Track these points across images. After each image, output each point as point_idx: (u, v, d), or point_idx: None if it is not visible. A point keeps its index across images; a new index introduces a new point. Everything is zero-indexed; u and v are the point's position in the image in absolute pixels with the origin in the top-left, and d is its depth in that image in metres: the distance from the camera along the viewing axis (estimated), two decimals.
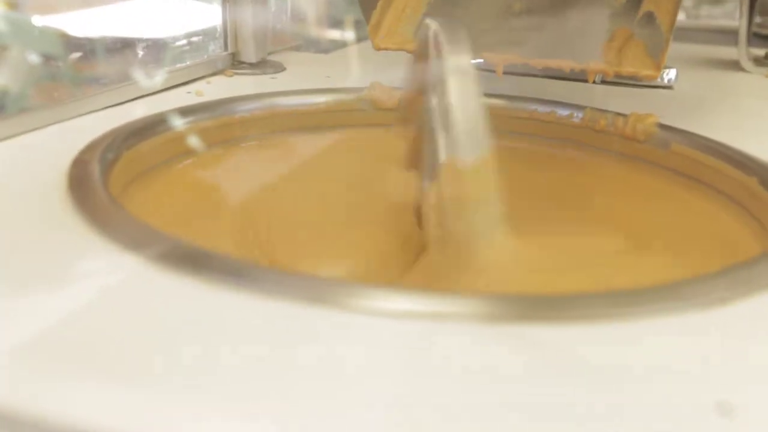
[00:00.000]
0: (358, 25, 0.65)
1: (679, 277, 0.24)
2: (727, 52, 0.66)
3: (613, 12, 0.43)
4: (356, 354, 0.20)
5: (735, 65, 0.60)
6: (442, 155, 0.30)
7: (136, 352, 0.19)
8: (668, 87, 0.53)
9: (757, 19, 0.67)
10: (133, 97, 0.42)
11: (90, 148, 0.33)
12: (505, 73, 0.41)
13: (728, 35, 0.72)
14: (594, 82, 0.49)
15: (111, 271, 0.24)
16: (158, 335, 0.20)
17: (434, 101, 0.31)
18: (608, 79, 0.47)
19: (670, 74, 0.53)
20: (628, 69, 0.41)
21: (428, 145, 0.33)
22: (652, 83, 0.53)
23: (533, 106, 0.44)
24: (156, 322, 0.21)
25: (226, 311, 0.21)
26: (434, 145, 0.31)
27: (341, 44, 0.62)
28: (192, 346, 0.19)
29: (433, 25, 0.32)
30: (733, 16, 0.84)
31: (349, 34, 0.63)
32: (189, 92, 0.45)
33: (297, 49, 0.59)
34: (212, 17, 0.51)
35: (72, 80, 0.39)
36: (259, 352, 0.19)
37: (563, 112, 0.43)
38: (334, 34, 0.62)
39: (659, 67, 0.39)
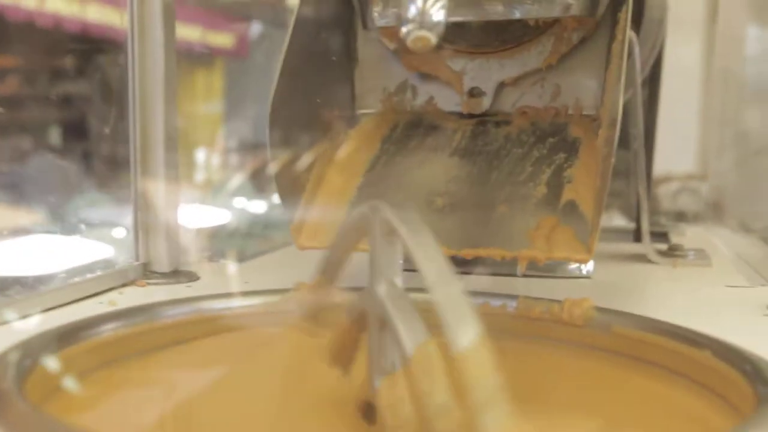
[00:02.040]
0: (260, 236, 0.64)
1: None
2: (628, 247, 0.68)
3: (536, 202, 0.44)
4: None
5: (642, 257, 0.62)
6: (409, 346, 0.27)
7: None
8: (587, 277, 0.53)
9: None
10: (40, 309, 0.39)
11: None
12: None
13: (619, 234, 0.75)
14: (515, 275, 0.49)
15: None
16: None
17: (383, 289, 0.30)
18: (526, 273, 0.47)
19: (588, 265, 0.53)
20: (559, 255, 0.41)
21: (375, 337, 0.31)
22: (571, 274, 0.53)
23: None
24: None
25: None
26: (392, 336, 0.28)
27: (256, 253, 0.61)
28: None
29: (380, 208, 0.30)
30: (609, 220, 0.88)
31: (261, 242, 0.62)
32: (101, 303, 0.42)
33: (210, 259, 0.57)
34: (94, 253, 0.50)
35: None
36: None
37: (496, 303, 0.42)
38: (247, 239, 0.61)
39: (591, 250, 0.39)
